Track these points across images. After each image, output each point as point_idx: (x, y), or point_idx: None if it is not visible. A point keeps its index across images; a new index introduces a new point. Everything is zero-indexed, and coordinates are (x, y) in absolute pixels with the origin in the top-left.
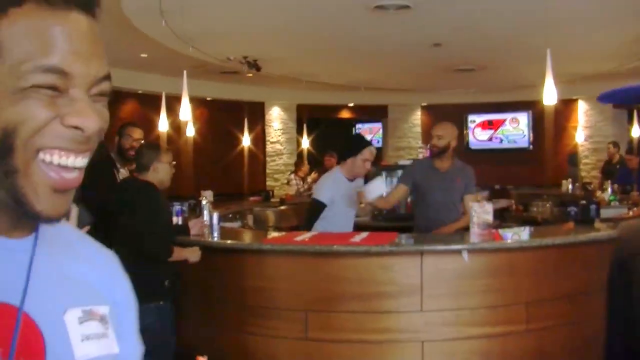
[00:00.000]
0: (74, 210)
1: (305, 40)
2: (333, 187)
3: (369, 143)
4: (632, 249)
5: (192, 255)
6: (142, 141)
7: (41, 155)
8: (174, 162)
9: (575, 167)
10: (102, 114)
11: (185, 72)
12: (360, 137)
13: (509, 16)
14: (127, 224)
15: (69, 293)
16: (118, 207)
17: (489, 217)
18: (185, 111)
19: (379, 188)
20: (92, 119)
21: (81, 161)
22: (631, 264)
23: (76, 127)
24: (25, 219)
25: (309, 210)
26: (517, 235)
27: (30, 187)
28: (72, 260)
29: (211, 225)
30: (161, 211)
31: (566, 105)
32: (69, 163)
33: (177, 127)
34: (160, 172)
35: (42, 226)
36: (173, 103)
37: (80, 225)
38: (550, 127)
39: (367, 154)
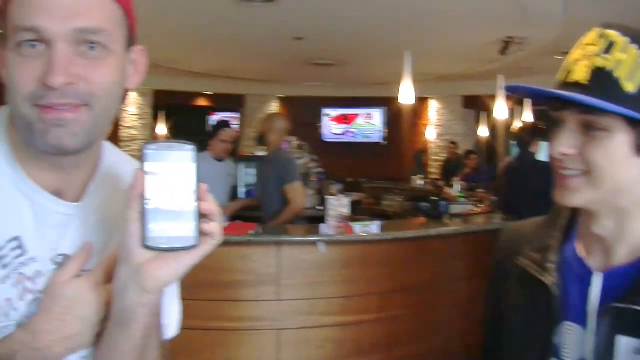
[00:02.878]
0: None
1: (167, 26)
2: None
3: (224, 125)
4: (508, 251)
5: None
6: None
7: None
8: None
9: (420, 164)
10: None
11: None
12: (218, 122)
13: (370, 14)
14: None
15: None
16: None
17: (345, 210)
18: None
19: None
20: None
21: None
22: (506, 266)
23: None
24: None
25: None
26: (371, 228)
27: None
28: None
29: None
30: None
31: (419, 104)
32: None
33: None
34: None
35: None
36: None
37: None
38: (402, 123)
39: (223, 134)
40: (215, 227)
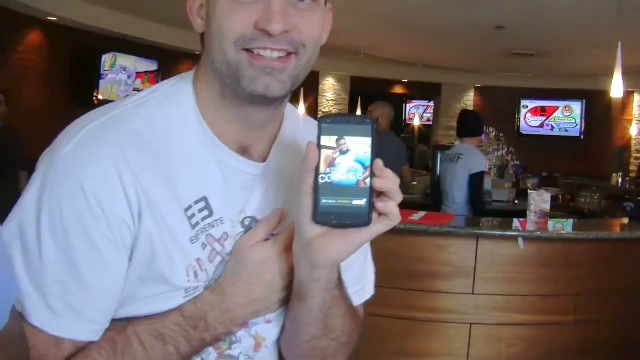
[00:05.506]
0: None
1: (367, 13)
2: None
3: None
4: None
5: None
6: None
7: None
8: None
9: (620, 162)
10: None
11: None
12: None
13: (578, 3)
14: None
15: None
16: None
17: (547, 206)
18: None
19: None
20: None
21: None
22: None
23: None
24: None
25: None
26: (569, 226)
27: None
28: None
29: None
30: None
31: (622, 97)
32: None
33: None
34: None
35: None
36: None
37: None
38: (604, 118)
39: None
40: (392, 207)
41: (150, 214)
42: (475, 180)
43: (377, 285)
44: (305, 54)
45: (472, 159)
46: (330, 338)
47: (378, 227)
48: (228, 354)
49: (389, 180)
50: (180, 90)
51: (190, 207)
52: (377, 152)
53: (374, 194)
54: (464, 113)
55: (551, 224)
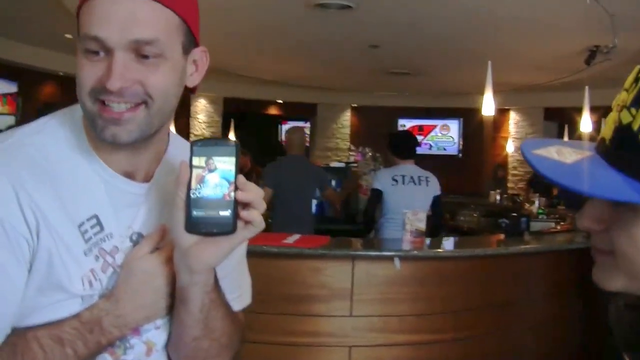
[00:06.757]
0: None
1: (238, 31)
2: None
3: None
4: None
5: None
6: None
7: None
8: None
9: (497, 179)
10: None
11: None
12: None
13: (450, 22)
14: None
15: None
16: None
17: (422, 225)
18: None
19: None
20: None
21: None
22: None
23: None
24: None
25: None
26: (447, 244)
27: None
28: None
29: None
30: None
31: (497, 115)
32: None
33: None
34: None
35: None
36: None
37: None
38: (480, 136)
39: None
40: (255, 215)
41: (47, 229)
42: (440, 201)
43: (252, 311)
44: (154, 103)
45: (435, 181)
46: (211, 338)
47: (244, 233)
48: (123, 359)
49: (251, 193)
50: (70, 120)
51: (82, 223)
52: (240, 169)
53: (240, 205)
54: (407, 133)
55: (427, 242)
